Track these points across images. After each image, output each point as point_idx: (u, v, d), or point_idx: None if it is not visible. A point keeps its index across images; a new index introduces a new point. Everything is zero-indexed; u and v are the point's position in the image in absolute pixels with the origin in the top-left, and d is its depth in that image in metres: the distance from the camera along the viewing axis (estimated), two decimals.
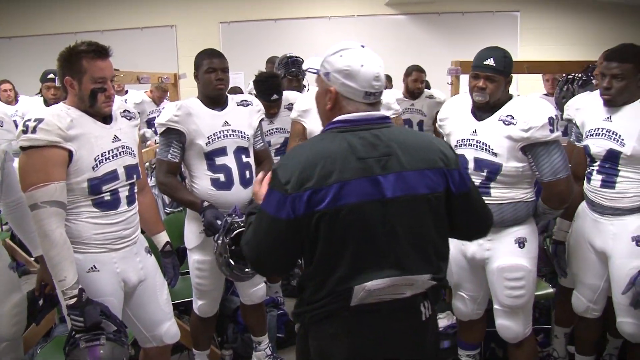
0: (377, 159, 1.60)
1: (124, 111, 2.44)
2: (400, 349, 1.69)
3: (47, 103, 4.54)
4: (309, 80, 4.06)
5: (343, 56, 1.64)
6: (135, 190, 2.44)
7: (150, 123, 5.60)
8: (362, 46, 1.68)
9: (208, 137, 2.81)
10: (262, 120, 3.10)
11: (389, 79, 6.25)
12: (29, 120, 2.09)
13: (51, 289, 2.38)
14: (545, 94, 4.58)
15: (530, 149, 2.40)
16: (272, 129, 3.88)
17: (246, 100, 3.03)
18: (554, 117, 2.37)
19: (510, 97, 2.49)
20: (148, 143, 4.89)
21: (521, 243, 2.52)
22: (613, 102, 2.58)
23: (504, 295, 2.54)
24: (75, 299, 2.06)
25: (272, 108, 3.79)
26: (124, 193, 2.33)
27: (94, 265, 2.25)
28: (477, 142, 2.50)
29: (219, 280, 2.99)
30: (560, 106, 3.31)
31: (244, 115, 2.96)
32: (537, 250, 2.59)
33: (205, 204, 2.78)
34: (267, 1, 8.18)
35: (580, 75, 3.33)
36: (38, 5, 8.30)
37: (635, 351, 2.73)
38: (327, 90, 1.68)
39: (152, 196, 2.76)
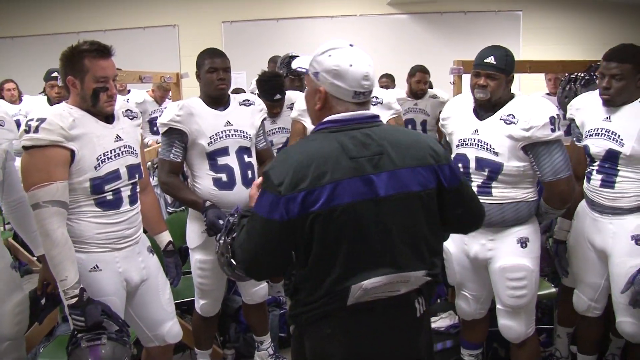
0: (369, 158, 1.60)
1: (126, 111, 2.44)
2: (397, 345, 1.70)
3: (51, 102, 4.54)
4: None
5: (332, 56, 1.63)
6: (138, 190, 2.44)
7: (152, 123, 5.60)
8: (351, 45, 1.67)
9: (210, 137, 2.81)
10: (264, 119, 3.10)
11: (391, 78, 6.25)
12: (32, 119, 2.10)
13: (53, 288, 2.38)
14: (547, 94, 4.58)
15: (531, 148, 2.40)
16: (275, 129, 3.88)
17: (248, 100, 3.02)
18: (555, 117, 2.36)
19: (512, 97, 2.49)
20: (149, 143, 4.90)
21: (523, 243, 2.52)
22: (612, 102, 2.58)
23: (506, 295, 2.54)
24: (76, 299, 2.07)
25: (275, 108, 3.79)
26: (126, 192, 2.33)
27: (96, 265, 2.25)
28: (478, 141, 2.50)
29: (220, 279, 2.99)
30: (562, 106, 3.31)
31: (246, 115, 2.96)
32: (539, 250, 2.59)
33: (208, 203, 2.78)
34: (269, 1, 8.18)
35: (582, 74, 3.32)
36: (40, 5, 8.30)
37: (635, 351, 2.73)
38: (316, 90, 1.68)
39: (154, 196, 2.76)
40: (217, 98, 2.88)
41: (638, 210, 2.59)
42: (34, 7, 8.30)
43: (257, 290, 3.11)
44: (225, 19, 8.25)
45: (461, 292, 2.80)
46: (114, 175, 2.26)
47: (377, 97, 2.91)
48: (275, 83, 3.70)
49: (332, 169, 1.56)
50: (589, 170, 2.72)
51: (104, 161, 2.22)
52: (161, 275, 2.57)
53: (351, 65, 1.62)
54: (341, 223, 1.56)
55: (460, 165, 2.59)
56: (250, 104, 3.01)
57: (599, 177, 2.65)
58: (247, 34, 8.20)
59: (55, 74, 4.45)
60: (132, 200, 2.38)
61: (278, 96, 3.71)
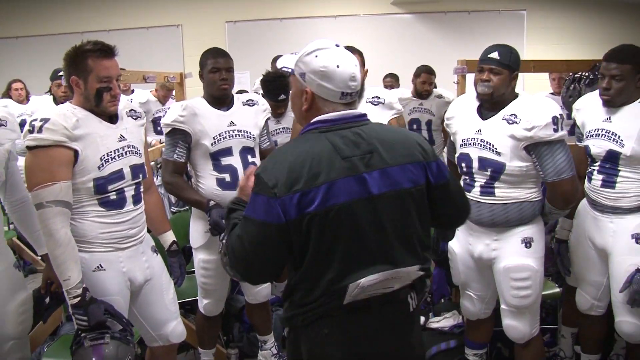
0: (360, 157, 1.61)
1: (130, 111, 2.45)
2: (392, 341, 1.71)
3: (57, 101, 4.54)
4: None
5: (318, 56, 1.63)
6: (142, 190, 2.44)
7: (156, 122, 5.61)
8: (337, 45, 1.67)
9: (214, 138, 2.81)
10: (268, 119, 3.09)
11: (396, 78, 6.25)
12: (35, 120, 2.10)
13: (57, 287, 2.38)
14: (551, 93, 4.57)
15: (533, 148, 2.39)
16: (279, 129, 3.87)
17: (252, 100, 3.02)
18: (558, 117, 2.35)
19: (516, 96, 2.48)
20: (153, 143, 4.90)
21: (528, 243, 2.51)
22: (612, 103, 2.58)
23: (511, 295, 2.54)
24: (78, 298, 2.07)
25: (279, 108, 3.79)
26: (129, 192, 2.33)
27: (100, 265, 2.25)
28: (481, 141, 2.50)
29: (224, 279, 2.99)
30: (567, 105, 3.30)
31: (249, 115, 2.96)
32: (544, 250, 2.58)
33: (212, 203, 2.78)
34: (273, 1, 8.17)
35: (587, 74, 3.32)
36: (44, 5, 8.31)
37: (635, 352, 2.72)
38: (302, 91, 1.67)
39: (158, 195, 2.76)
40: (220, 98, 2.88)
41: (638, 210, 2.59)
42: (37, 7, 8.31)
43: (260, 290, 3.11)
44: (228, 18, 8.25)
45: (466, 292, 2.80)
46: (118, 175, 2.26)
47: (378, 97, 2.90)
48: (279, 83, 3.70)
49: (326, 169, 1.56)
50: (589, 170, 2.73)
51: (108, 161, 2.22)
52: (165, 275, 2.57)
53: (338, 66, 1.61)
54: (337, 223, 1.57)
55: (463, 165, 2.59)
56: (254, 104, 3.01)
57: (600, 177, 2.65)
58: (250, 34, 8.19)
59: (61, 73, 4.44)
60: (136, 200, 2.38)
61: (282, 96, 3.71)
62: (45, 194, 2.06)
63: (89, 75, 2.16)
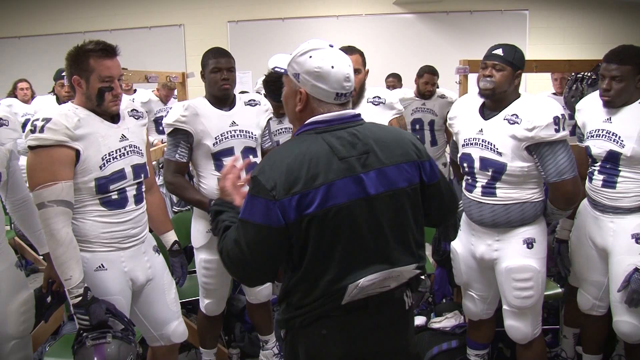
0: (357, 158, 1.61)
1: (132, 110, 2.45)
2: (389, 339, 1.73)
3: (60, 101, 4.55)
4: None
5: (313, 57, 1.62)
6: (143, 189, 2.45)
7: (157, 122, 5.61)
8: (331, 46, 1.66)
9: (215, 138, 2.81)
10: (270, 119, 3.09)
11: (398, 78, 6.24)
12: (37, 119, 2.10)
13: (58, 286, 2.39)
14: (553, 93, 4.57)
15: (535, 148, 2.38)
16: (281, 129, 3.87)
17: (254, 100, 3.02)
18: (560, 117, 2.34)
19: (518, 97, 2.48)
20: (155, 142, 4.90)
21: (530, 244, 2.51)
22: (612, 104, 2.59)
23: (513, 296, 2.53)
24: (80, 298, 2.07)
25: (281, 108, 3.75)
26: (131, 192, 2.33)
27: (101, 264, 2.26)
28: (482, 141, 2.49)
29: (225, 279, 2.99)
30: (569, 105, 3.30)
31: (251, 115, 2.96)
32: (546, 250, 2.58)
33: (213, 203, 2.78)
34: (275, 0, 8.16)
35: (589, 74, 3.31)
36: (47, 4, 8.32)
37: (633, 351, 2.72)
38: (296, 91, 1.67)
39: (160, 195, 2.76)
40: (221, 98, 2.88)
41: (639, 210, 2.59)
42: (40, 7, 8.32)
43: (262, 290, 3.11)
44: (230, 18, 8.24)
45: (468, 292, 2.80)
46: (119, 175, 2.26)
47: (379, 97, 2.90)
48: (282, 83, 3.68)
49: (324, 170, 1.56)
50: (590, 170, 2.73)
51: (109, 161, 2.22)
52: (167, 274, 2.57)
53: (333, 67, 1.61)
54: (336, 224, 1.57)
55: (465, 165, 2.58)
56: (255, 104, 3.00)
57: (601, 177, 2.65)
58: (252, 34, 8.19)
59: (65, 73, 4.44)
60: (138, 200, 2.38)
61: None
62: (47, 194, 2.07)
63: (91, 75, 2.16)
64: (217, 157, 2.83)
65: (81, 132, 2.13)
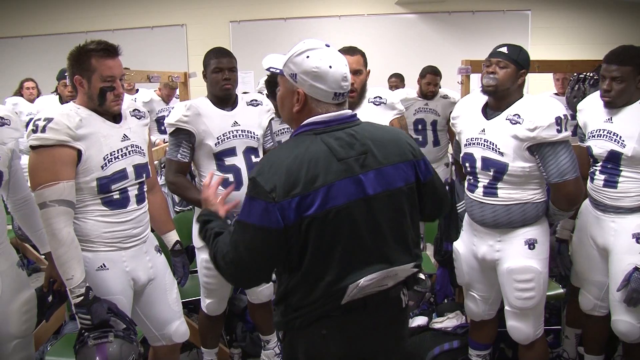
0: (355, 158, 1.62)
1: (134, 110, 2.45)
2: (388, 337, 1.74)
3: (63, 101, 4.55)
4: None
5: (310, 57, 1.62)
6: (145, 189, 2.45)
7: (159, 122, 5.61)
8: (327, 45, 1.66)
9: (217, 138, 2.81)
10: (272, 119, 3.09)
11: (401, 78, 6.24)
12: (39, 119, 2.11)
13: (59, 285, 2.39)
14: (555, 94, 4.56)
15: (537, 149, 2.38)
16: (283, 129, 3.86)
17: (256, 100, 3.02)
18: (562, 117, 2.33)
19: (521, 97, 2.48)
20: (157, 142, 4.90)
21: (531, 244, 2.50)
22: (613, 104, 2.59)
23: (514, 297, 2.53)
24: (82, 297, 2.07)
25: None
26: (133, 192, 2.34)
27: (103, 264, 2.26)
28: (484, 141, 2.49)
29: None
30: (571, 106, 3.30)
31: (253, 115, 2.96)
32: (548, 251, 2.57)
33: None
34: (277, 0, 8.17)
35: (591, 74, 3.31)
36: (49, 4, 8.33)
37: (632, 351, 2.71)
38: (293, 91, 1.66)
39: (162, 195, 2.76)
40: (223, 98, 2.88)
41: None
42: (42, 7, 8.33)
43: (263, 290, 3.10)
44: (233, 18, 8.25)
45: (469, 292, 2.79)
46: (121, 175, 2.26)
47: (380, 97, 2.89)
48: None
49: (324, 171, 1.56)
50: (592, 170, 2.74)
51: (111, 161, 2.22)
52: (168, 274, 2.57)
53: (331, 67, 1.61)
54: (336, 225, 1.57)
55: (467, 164, 2.58)
56: (257, 104, 3.00)
57: (602, 177, 2.66)
58: (254, 34, 8.19)
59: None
60: (140, 200, 2.38)
61: None
62: (49, 193, 2.07)
63: (93, 75, 2.16)
64: (219, 157, 2.83)
65: (83, 131, 2.14)
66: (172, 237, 2.69)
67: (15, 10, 8.35)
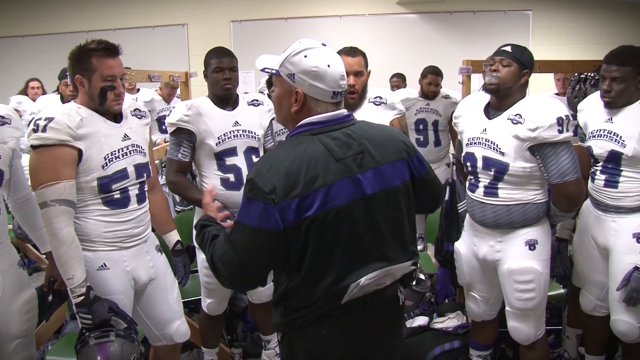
0: (353, 158, 1.62)
1: (135, 110, 2.45)
2: (385, 336, 1.75)
3: (65, 100, 4.55)
4: None
5: (308, 56, 1.61)
6: (146, 189, 2.45)
7: (160, 121, 5.62)
8: (324, 44, 1.66)
9: (218, 138, 2.81)
10: (272, 120, 3.09)
11: (402, 77, 6.24)
12: (40, 119, 2.11)
13: (60, 284, 2.39)
14: (556, 94, 4.56)
15: (538, 149, 2.37)
16: (284, 129, 3.87)
17: (257, 100, 3.02)
18: (564, 117, 2.32)
19: (523, 97, 2.47)
20: (157, 141, 4.90)
21: (532, 245, 2.50)
22: (613, 105, 2.60)
23: (515, 298, 2.53)
24: (82, 297, 2.07)
25: None
26: (134, 191, 2.33)
27: (104, 264, 2.26)
28: (486, 140, 2.49)
29: None
30: (572, 106, 3.30)
31: (254, 115, 2.96)
32: (549, 252, 2.57)
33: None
34: (278, 0, 8.17)
35: (592, 74, 3.31)
36: (50, 4, 8.34)
37: (631, 351, 2.71)
38: (292, 92, 1.65)
39: (163, 195, 2.76)
40: (224, 98, 2.87)
41: None
42: (43, 6, 8.34)
43: (263, 290, 3.09)
44: (234, 18, 8.25)
45: (470, 293, 2.79)
46: (122, 174, 2.26)
47: (380, 97, 2.89)
48: None
49: (323, 172, 1.56)
50: (592, 170, 2.74)
51: (112, 160, 2.22)
52: (169, 274, 2.57)
53: (329, 66, 1.61)
54: (336, 225, 1.57)
55: (468, 164, 2.58)
56: (258, 104, 3.00)
57: (603, 177, 2.66)
58: (255, 33, 8.19)
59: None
60: (140, 199, 2.38)
61: None
62: (50, 193, 2.07)
63: (93, 74, 2.16)
64: (220, 157, 2.83)
65: (84, 131, 2.14)
66: (173, 236, 2.69)
67: (16, 10, 8.36)
